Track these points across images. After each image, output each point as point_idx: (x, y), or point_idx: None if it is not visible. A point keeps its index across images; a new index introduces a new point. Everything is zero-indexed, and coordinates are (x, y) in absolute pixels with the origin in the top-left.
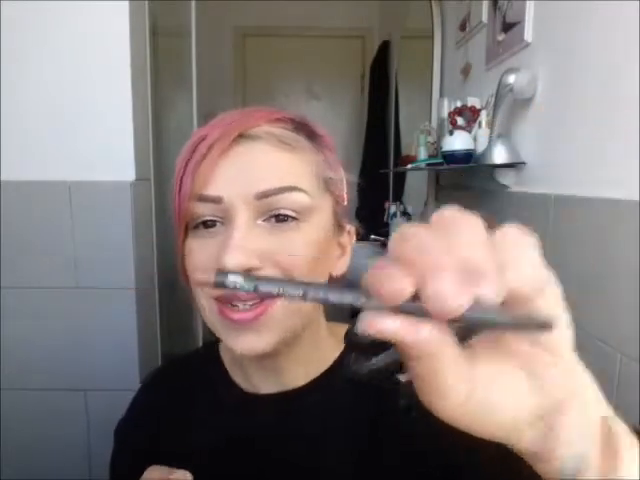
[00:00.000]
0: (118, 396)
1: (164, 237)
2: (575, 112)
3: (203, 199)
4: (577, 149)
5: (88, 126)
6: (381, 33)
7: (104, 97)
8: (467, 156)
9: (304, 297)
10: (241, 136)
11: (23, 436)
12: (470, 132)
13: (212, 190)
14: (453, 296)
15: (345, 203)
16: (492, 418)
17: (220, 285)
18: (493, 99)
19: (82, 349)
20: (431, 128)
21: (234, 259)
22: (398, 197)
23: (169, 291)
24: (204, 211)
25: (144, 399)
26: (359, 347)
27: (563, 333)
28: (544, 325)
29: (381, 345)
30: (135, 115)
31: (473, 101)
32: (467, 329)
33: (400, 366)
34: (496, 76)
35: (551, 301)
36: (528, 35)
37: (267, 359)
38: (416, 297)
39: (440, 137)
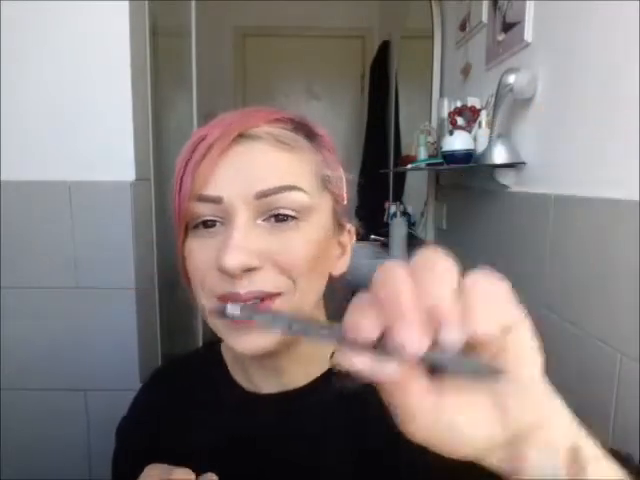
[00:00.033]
0: (118, 396)
1: (164, 237)
2: (575, 112)
3: (203, 199)
4: (577, 149)
5: (88, 126)
6: (381, 33)
7: (104, 97)
8: (467, 156)
9: (289, 329)
10: (241, 136)
11: (23, 436)
12: (470, 132)
13: (212, 190)
14: (412, 344)
15: (345, 202)
16: (460, 441)
17: (219, 315)
18: (493, 99)
19: (82, 349)
20: (431, 128)
21: (234, 259)
22: (398, 197)
23: (169, 291)
24: (204, 211)
25: (145, 398)
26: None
27: (530, 365)
28: (494, 374)
29: None
30: (135, 115)
31: (473, 101)
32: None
33: None
34: (496, 76)
35: (519, 338)
36: (528, 35)
37: (268, 359)
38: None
39: (440, 137)
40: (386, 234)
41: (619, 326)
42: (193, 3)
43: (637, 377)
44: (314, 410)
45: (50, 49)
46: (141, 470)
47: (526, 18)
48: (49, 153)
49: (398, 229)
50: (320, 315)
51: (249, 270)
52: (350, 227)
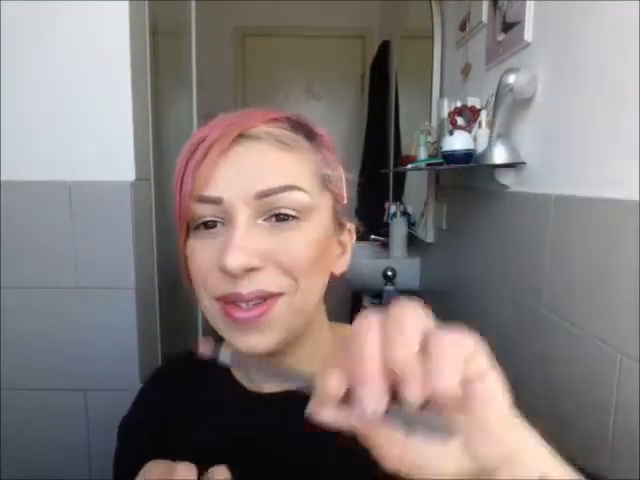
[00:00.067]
0: (118, 396)
1: (164, 237)
2: (575, 112)
3: (203, 200)
4: (577, 149)
5: (88, 126)
6: (381, 33)
7: (104, 97)
8: (467, 156)
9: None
10: (240, 136)
11: (23, 436)
12: (470, 132)
13: (212, 191)
14: (370, 404)
15: (345, 201)
16: (429, 470)
17: (211, 360)
18: (493, 99)
19: (82, 349)
20: (431, 128)
21: (236, 259)
22: (398, 197)
23: (169, 291)
24: (205, 212)
25: (146, 398)
26: None
27: (497, 407)
28: (449, 431)
29: None
30: (135, 115)
31: (473, 101)
32: None
33: None
34: (496, 76)
35: (486, 386)
36: (528, 35)
37: (270, 359)
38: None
39: (440, 137)
40: (386, 234)
41: (619, 326)
42: (193, 3)
43: (637, 377)
44: None
45: (50, 49)
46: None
47: (526, 18)
48: (49, 153)
49: (398, 229)
50: (322, 315)
51: (251, 270)
52: (350, 226)
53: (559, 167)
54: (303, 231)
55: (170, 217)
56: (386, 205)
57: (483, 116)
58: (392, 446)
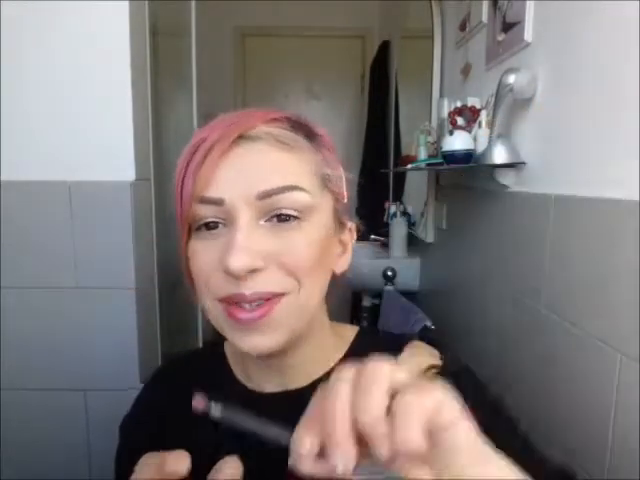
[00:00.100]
0: (118, 396)
1: (164, 237)
2: (575, 112)
3: (205, 201)
4: (577, 149)
5: (88, 126)
6: (381, 33)
7: (104, 97)
8: (467, 156)
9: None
10: (241, 137)
11: (23, 436)
12: (470, 132)
13: (213, 192)
14: (339, 461)
15: (345, 200)
16: None
17: (204, 414)
18: (493, 99)
19: (82, 349)
20: (431, 128)
21: (239, 260)
22: (398, 197)
23: (169, 291)
24: (206, 213)
25: (147, 398)
26: None
27: (465, 453)
28: None
29: None
30: (135, 115)
31: (473, 101)
32: None
33: None
34: (496, 76)
35: (454, 434)
36: (528, 35)
37: (272, 359)
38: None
39: (440, 137)
40: (386, 234)
41: (619, 326)
42: (193, 3)
43: (637, 377)
44: None
45: (50, 49)
46: None
47: (526, 18)
48: (49, 153)
49: (398, 229)
50: (323, 315)
51: (253, 271)
52: (351, 225)
53: (559, 167)
54: (305, 231)
55: (170, 217)
56: (386, 205)
57: (483, 116)
58: None
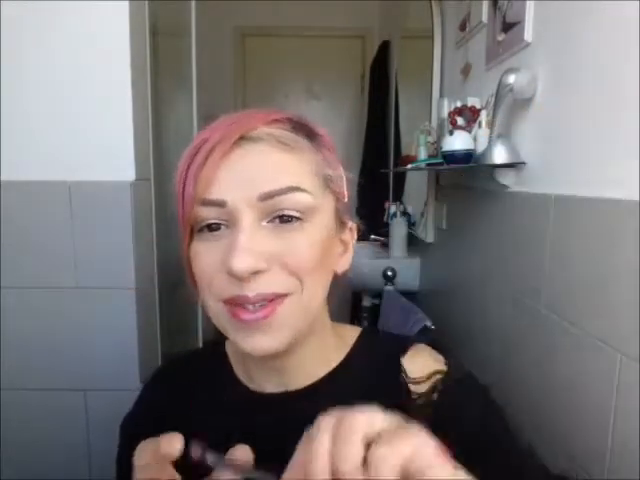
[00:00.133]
0: (118, 396)
1: (164, 237)
2: (575, 112)
3: (207, 203)
4: (577, 149)
5: (88, 126)
6: (381, 33)
7: (104, 97)
8: (467, 156)
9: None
10: (242, 138)
11: (23, 436)
12: (470, 132)
13: (215, 194)
14: None
15: (346, 200)
16: None
17: (199, 462)
18: (493, 99)
19: (82, 349)
20: (431, 128)
21: (243, 262)
22: (398, 197)
23: (169, 291)
24: (208, 215)
25: (147, 398)
26: None
27: None
28: None
29: None
30: (135, 115)
31: (473, 101)
32: None
33: None
34: (496, 76)
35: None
36: (528, 35)
37: (274, 359)
38: None
39: (440, 137)
40: (386, 234)
41: (619, 326)
42: (193, 3)
43: (637, 377)
44: (314, 411)
45: (50, 49)
46: None
47: (526, 18)
48: (49, 153)
49: (398, 229)
50: (324, 315)
51: (257, 272)
52: (352, 224)
53: (559, 167)
54: (307, 232)
55: (170, 217)
56: (386, 205)
57: (483, 116)
58: None
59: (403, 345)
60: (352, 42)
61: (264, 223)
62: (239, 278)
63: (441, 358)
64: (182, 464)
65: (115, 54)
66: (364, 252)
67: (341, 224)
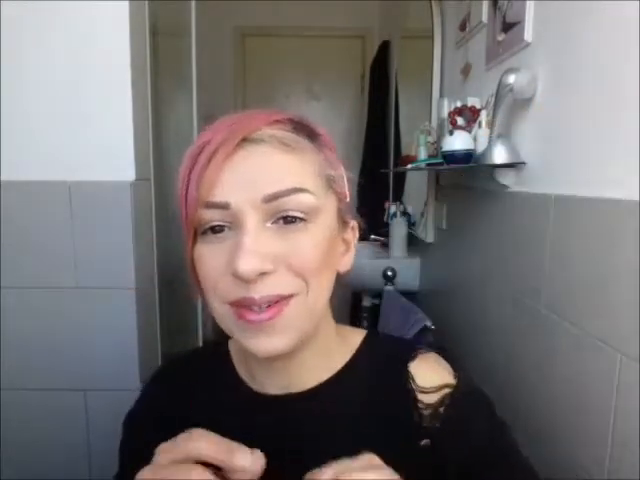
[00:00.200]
0: (118, 396)
1: (164, 237)
2: (575, 112)
3: (210, 206)
4: (577, 149)
5: (88, 126)
6: (381, 33)
7: (104, 97)
8: (467, 156)
9: None
10: (244, 140)
11: (23, 436)
12: (470, 132)
13: (219, 196)
14: None
15: (347, 199)
16: None
17: None
18: (493, 99)
19: (82, 349)
20: (431, 128)
21: (248, 264)
22: (398, 197)
23: (169, 291)
24: (212, 217)
25: (147, 398)
26: None
27: None
28: None
29: None
30: (135, 115)
31: (473, 101)
32: None
33: None
34: (496, 76)
35: None
36: (528, 35)
37: (277, 361)
38: None
39: (440, 137)
40: (386, 234)
41: (619, 326)
42: (193, 3)
43: (637, 377)
44: (317, 414)
45: (50, 49)
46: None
47: (526, 18)
48: (49, 153)
49: (398, 229)
50: (328, 316)
51: (263, 274)
52: (353, 224)
53: (559, 167)
54: (311, 233)
55: (170, 217)
56: (386, 205)
57: (483, 116)
58: None
59: (411, 351)
60: (352, 42)
61: (268, 224)
62: (245, 280)
63: (451, 370)
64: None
65: (115, 54)
66: (364, 252)
67: (343, 223)
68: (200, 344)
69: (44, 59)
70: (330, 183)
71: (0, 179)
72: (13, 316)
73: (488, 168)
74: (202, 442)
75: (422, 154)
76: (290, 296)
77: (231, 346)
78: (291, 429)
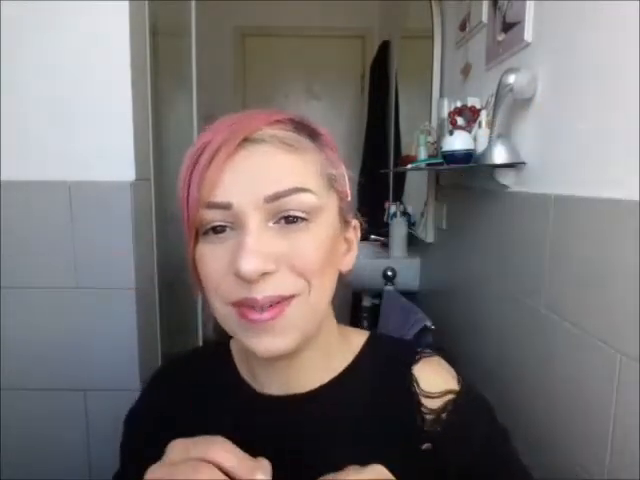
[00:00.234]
0: (118, 396)
1: (164, 237)
2: (575, 112)
3: (212, 206)
4: (577, 149)
5: (88, 126)
6: (381, 33)
7: (104, 97)
8: (467, 156)
9: None
10: (245, 140)
11: (23, 436)
12: (470, 132)
13: (221, 197)
14: None
15: (349, 199)
16: None
17: None
18: (493, 99)
19: (82, 349)
20: (431, 128)
21: (251, 264)
22: (398, 197)
23: (169, 291)
24: (214, 217)
25: (148, 398)
26: None
27: None
28: None
29: None
30: (135, 115)
31: (473, 101)
32: None
33: None
34: (496, 76)
35: None
36: (528, 35)
37: (279, 361)
38: None
39: (440, 137)
40: (386, 234)
41: (619, 326)
42: (193, 3)
43: (637, 377)
44: (317, 415)
45: (50, 49)
46: (142, 467)
47: (526, 18)
48: (49, 153)
49: (398, 229)
50: (330, 316)
51: (265, 274)
52: (355, 223)
53: (559, 167)
54: (313, 232)
55: (170, 217)
56: (386, 205)
57: (483, 116)
58: None
59: (412, 352)
60: (352, 42)
61: (270, 224)
62: (248, 280)
63: (454, 374)
64: None
65: (115, 54)
66: (364, 252)
67: (345, 222)
68: (200, 344)
69: (44, 59)
70: (332, 182)
71: (0, 179)
72: (13, 316)
73: (488, 168)
74: (222, 451)
75: (422, 154)
76: (292, 296)
77: (232, 346)
78: (291, 430)
